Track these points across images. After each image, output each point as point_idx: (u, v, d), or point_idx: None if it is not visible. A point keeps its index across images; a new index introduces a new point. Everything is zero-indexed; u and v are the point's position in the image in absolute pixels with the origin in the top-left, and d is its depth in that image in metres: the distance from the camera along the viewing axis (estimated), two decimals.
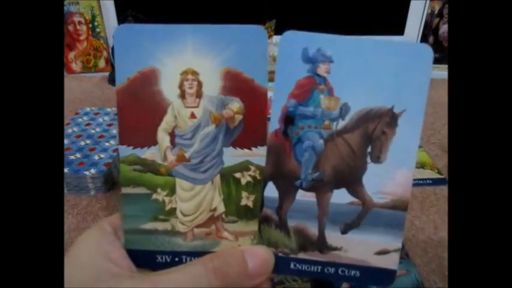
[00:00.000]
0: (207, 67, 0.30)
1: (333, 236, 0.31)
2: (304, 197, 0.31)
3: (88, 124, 0.89)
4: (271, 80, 0.29)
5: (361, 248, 0.31)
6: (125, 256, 0.30)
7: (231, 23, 0.30)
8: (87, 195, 0.74)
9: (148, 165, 0.31)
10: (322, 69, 0.29)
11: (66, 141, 0.82)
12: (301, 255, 0.31)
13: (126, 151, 0.31)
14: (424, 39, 1.21)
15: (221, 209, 0.31)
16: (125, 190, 0.31)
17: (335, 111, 0.30)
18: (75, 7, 1.22)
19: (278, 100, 0.30)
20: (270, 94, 0.30)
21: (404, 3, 1.21)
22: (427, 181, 0.78)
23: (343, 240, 0.31)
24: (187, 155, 0.31)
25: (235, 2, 1.20)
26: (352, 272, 0.31)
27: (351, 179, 0.31)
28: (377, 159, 0.30)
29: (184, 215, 0.31)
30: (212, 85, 0.30)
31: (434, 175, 0.79)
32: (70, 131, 0.86)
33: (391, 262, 0.31)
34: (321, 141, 0.30)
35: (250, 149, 0.31)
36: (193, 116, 0.31)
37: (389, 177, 0.30)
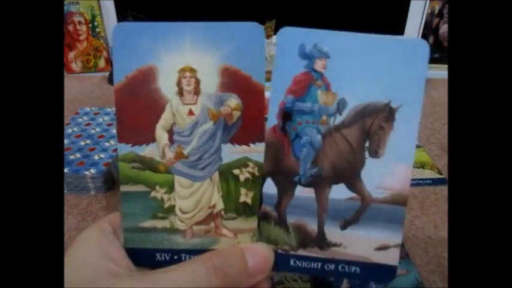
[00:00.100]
0: (205, 64, 0.30)
1: (333, 232, 0.31)
2: (303, 193, 0.31)
3: (88, 124, 0.89)
4: (268, 80, 0.29)
5: (361, 244, 0.31)
6: (124, 255, 0.30)
7: None
8: (87, 195, 0.74)
9: (147, 162, 0.31)
10: (319, 65, 0.30)
11: (66, 141, 0.82)
12: (301, 252, 0.31)
13: (125, 149, 0.31)
14: (424, 39, 1.21)
15: (220, 205, 0.31)
16: (124, 188, 0.31)
17: (332, 106, 0.30)
18: (75, 7, 1.22)
19: (276, 96, 0.30)
20: (267, 94, 0.30)
21: (404, 3, 1.21)
22: (427, 181, 0.78)
23: (343, 237, 0.31)
24: (185, 152, 0.31)
25: (235, 2, 1.20)
26: (353, 269, 0.31)
27: (350, 174, 0.31)
28: (375, 154, 0.30)
29: (183, 213, 0.31)
30: (210, 82, 0.30)
31: (434, 175, 0.79)
32: (70, 131, 0.86)
33: (391, 258, 0.30)
34: (319, 137, 0.30)
35: (248, 145, 0.31)
36: (191, 113, 0.30)
37: (388, 172, 0.30)
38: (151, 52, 0.30)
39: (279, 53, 0.30)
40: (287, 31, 0.30)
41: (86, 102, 1.09)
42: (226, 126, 0.31)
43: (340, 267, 0.31)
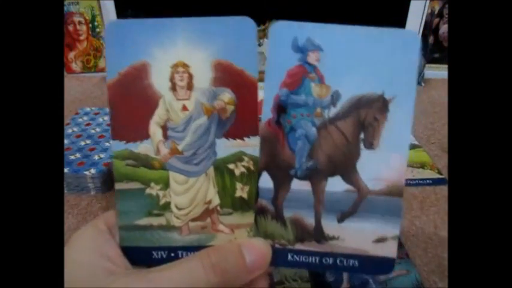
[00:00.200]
0: (197, 59, 0.30)
1: (330, 226, 0.31)
2: (299, 186, 0.31)
3: (88, 124, 0.89)
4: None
5: (359, 236, 0.30)
6: (120, 254, 0.30)
7: None
8: (87, 195, 0.74)
9: (142, 159, 0.31)
10: (312, 58, 0.29)
11: (66, 141, 0.82)
12: (299, 246, 0.31)
13: (119, 146, 0.31)
14: (424, 39, 1.21)
15: (216, 201, 0.31)
16: (119, 186, 0.31)
17: (326, 98, 0.30)
18: (75, 7, 1.22)
19: (270, 90, 0.30)
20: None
21: (404, 3, 1.20)
22: (427, 181, 0.77)
23: (340, 229, 0.31)
24: (180, 147, 0.31)
25: (235, 2, 1.20)
26: (351, 262, 0.31)
27: (346, 166, 0.30)
28: (370, 146, 0.30)
29: (179, 209, 0.31)
30: (203, 77, 0.30)
31: (434, 175, 0.79)
32: (70, 131, 0.86)
33: (389, 250, 0.30)
34: (314, 129, 0.30)
35: (243, 139, 0.30)
36: (185, 108, 0.30)
37: (383, 163, 0.30)
38: (144, 48, 0.30)
39: (272, 47, 0.30)
40: (279, 25, 0.30)
41: (86, 102, 1.08)
42: (220, 120, 0.30)
43: (338, 261, 0.31)
